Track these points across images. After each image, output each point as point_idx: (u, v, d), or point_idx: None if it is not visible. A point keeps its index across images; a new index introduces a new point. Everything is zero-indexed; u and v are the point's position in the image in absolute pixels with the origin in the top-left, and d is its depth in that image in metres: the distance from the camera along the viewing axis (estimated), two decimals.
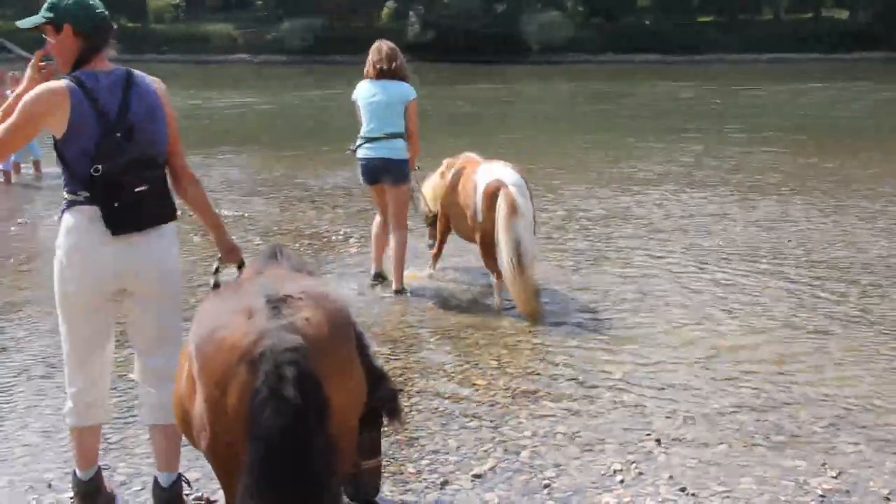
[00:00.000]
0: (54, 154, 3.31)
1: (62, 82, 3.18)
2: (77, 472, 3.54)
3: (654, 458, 4.09)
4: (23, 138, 3.21)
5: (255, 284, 2.62)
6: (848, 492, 3.77)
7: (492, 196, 6.06)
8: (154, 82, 3.40)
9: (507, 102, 26.32)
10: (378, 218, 6.96)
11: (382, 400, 3.20)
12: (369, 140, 6.57)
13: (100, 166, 3.13)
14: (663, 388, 4.89)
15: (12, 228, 9.42)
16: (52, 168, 12.16)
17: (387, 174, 6.60)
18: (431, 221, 7.36)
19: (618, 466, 4.01)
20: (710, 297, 6.58)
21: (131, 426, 4.45)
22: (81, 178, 3.17)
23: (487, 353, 5.47)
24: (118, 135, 3.17)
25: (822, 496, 3.73)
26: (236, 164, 13.81)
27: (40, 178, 12.34)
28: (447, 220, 6.94)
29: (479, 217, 6.17)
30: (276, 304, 2.44)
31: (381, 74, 6.56)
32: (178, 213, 3.47)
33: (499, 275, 6.23)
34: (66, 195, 3.26)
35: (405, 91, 6.57)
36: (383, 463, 3.65)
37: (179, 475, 3.51)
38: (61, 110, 3.13)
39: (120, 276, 3.28)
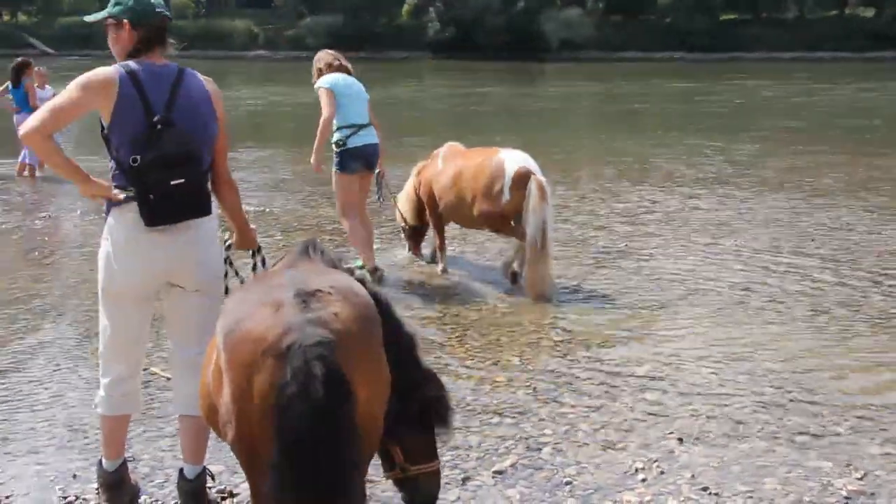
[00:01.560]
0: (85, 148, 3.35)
1: (112, 68, 3.21)
2: (103, 462, 3.57)
3: (676, 458, 4.08)
4: (64, 118, 3.20)
5: (285, 277, 2.63)
6: (873, 494, 3.73)
7: (521, 180, 6.37)
8: (207, 82, 3.41)
9: (540, 100, 26.23)
10: (354, 218, 6.92)
11: (429, 401, 3.13)
12: (361, 127, 6.75)
13: (138, 157, 3.14)
14: (686, 387, 4.87)
15: (37, 222, 9.50)
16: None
17: (374, 159, 6.87)
18: (410, 233, 7.61)
19: (639, 465, 3.99)
20: (736, 296, 6.53)
21: (155, 419, 4.48)
22: (126, 170, 3.19)
23: (509, 349, 5.47)
24: (159, 127, 3.18)
25: (847, 498, 3.69)
26: (259, 160, 13.87)
27: None
28: (436, 209, 7.11)
29: (507, 197, 6.43)
30: (305, 297, 2.44)
31: (341, 69, 6.86)
32: None
33: (522, 237, 6.45)
34: (114, 191, 3.26)
35: (364, 88, 6.91)
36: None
37: (204, 468, 3.53)
38: (108, 95, 3.15)
39: (164, 271, 3.31)
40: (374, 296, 2.80)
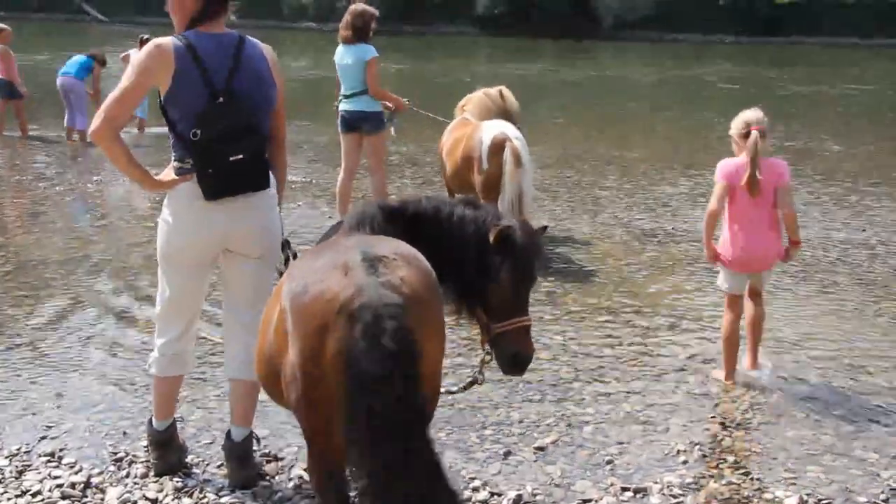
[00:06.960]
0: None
1: (169, 40, 3.22)
2: (153, 421, 3.65)
3: (718, 442, 4.07)
4: (128, 106, 3.22)
5: (350, 242, 2.66)
6: None
7: (497, 148, 6.55)
8: (266, 50, 3.42)
9: (605, 81, 25.94)
10: (342, 175, 7.80)
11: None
12: (346, 97, 7.57)
13: (198, 131, 3.16)
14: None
15: (89, 185, 9.68)
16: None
17: (363, 124, 7.56)
18: None
19: (681, 447, 3.98)
20: (781, 284, 6.44)
21: (203, 381, 4.57)
22: (185, 142, 3.21)
23: (553, 328, 5.46)
24: (220, 100, 3.20)
25: (893, 489, 3.65)
26: (305, 131, 13.91)
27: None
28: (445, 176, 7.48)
29: (485, 165, 6.60)
30: (372, 261, 2.47)
31: (346, 41, 7.48)
32: None
33: None
34: (173, 162, 3.31)
35: (364, 51, 7.41)
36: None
37: (251, 431, 3.59)
38: (165, 70, 3.16)
39: (221, 238, 3.36)
40: None
